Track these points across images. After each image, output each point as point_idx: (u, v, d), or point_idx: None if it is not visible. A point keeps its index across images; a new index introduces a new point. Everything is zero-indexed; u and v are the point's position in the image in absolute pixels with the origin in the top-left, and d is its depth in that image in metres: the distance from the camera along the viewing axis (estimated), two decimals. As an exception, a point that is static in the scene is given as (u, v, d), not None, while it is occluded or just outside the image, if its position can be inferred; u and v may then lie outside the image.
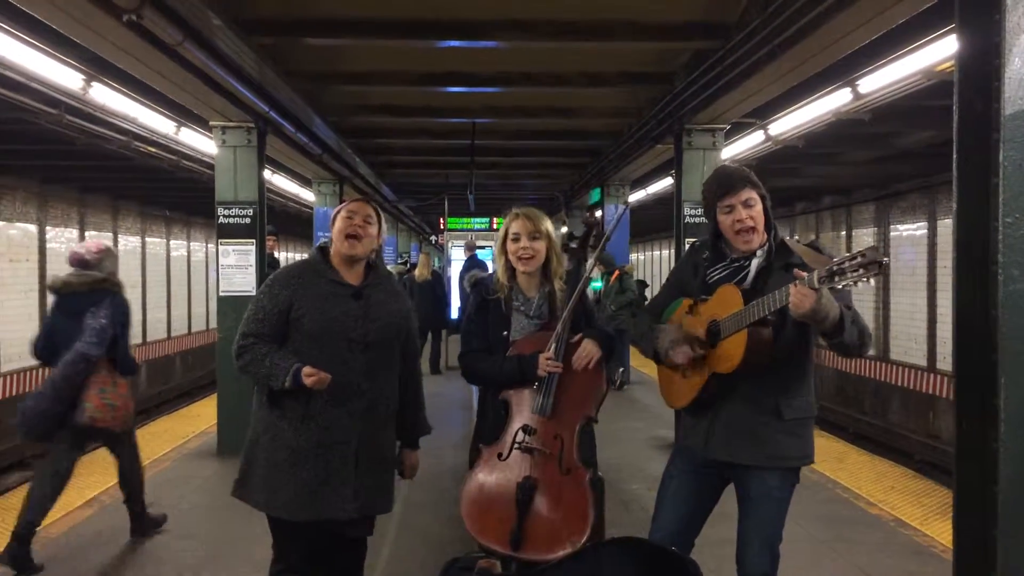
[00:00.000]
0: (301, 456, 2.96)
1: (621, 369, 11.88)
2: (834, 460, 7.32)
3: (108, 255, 5.09)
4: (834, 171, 13.11)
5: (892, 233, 14.39)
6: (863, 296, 15.42)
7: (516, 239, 3.19)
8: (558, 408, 3.04)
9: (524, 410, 3.07)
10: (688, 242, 7.15)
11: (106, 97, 6.98)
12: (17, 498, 6.31)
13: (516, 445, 3.03)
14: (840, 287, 2.53)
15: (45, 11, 4.61)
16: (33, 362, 14.08)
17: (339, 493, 2.96)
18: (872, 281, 2.46)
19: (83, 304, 4.80)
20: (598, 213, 12.81)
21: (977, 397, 3.31)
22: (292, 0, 5.93)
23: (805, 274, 2.58)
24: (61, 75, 6.25)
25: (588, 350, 3.09)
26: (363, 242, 3.08)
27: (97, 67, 6.39)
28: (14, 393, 13.33)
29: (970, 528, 3.35)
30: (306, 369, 2.87)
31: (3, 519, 5.67)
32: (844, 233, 16.13)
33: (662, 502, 3.11)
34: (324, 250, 3.18)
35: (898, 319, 14.20)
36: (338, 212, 3.16)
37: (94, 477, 6.62)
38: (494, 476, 3.03)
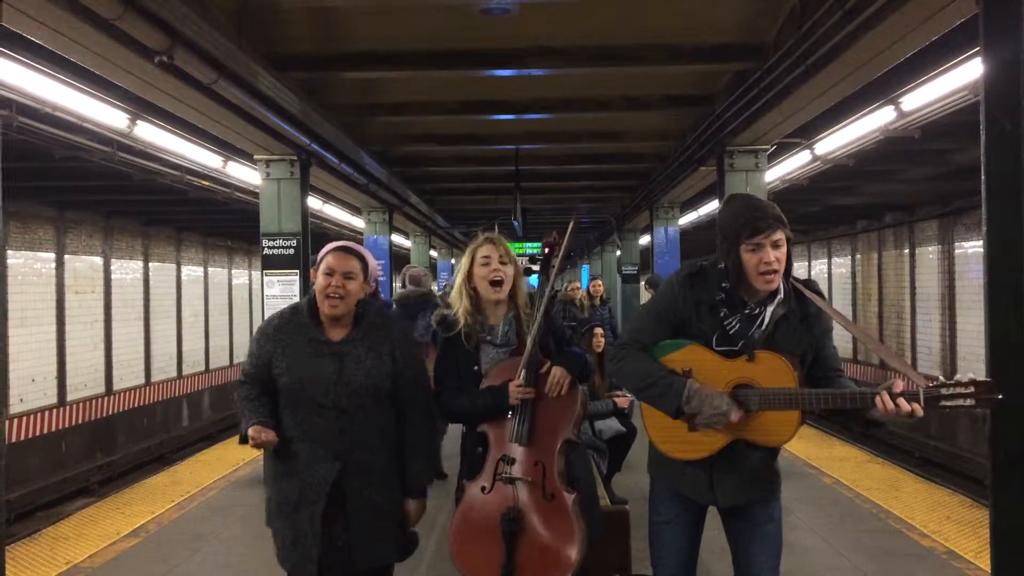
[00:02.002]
0: (282, 509, 2.96)
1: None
2: (888, 488, 7.04)
3: (428, 278, 7.35)
4: (892, 188, 12.78)
5: (957, 250, 13.92)
6: (929, 315, 14.94)
7: (487, 263, 3.16)
8: (535, 434, 3.00)
9: (502, 440, 3.03)
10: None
11: (153, 134, 7.25)
12: (70, 527, 6.50)
13: (498, 476, 2.99)
14: (942, 410, 2.48)
15: (89, 58, 4.80)
16: (99, 391, 14.42)
17: (307, 551, 2.90)
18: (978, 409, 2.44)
19: (416, 309, 6.93)
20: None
21: (1013, 425, 3.20)
22: (326, 36, 6.06)
23: (919, 388, 2.47)
24: (107, 115, 6.55)
25: (558, 377, 3.04)
26: (345, 301, 2.93)
27: (140, 106, 6.62)
28: (80, 421, 13.72)
29: (1010, 556, 3.25)
30: (251, 430, 2.85)
31: (52, 549, 5.79)
32: (907, 251, 15.67)
33: (663, 550, 2.96)
34: (313, 301, 3.01)
35: (965, 338, 13.68)
36: (320, 261, 2.99)
37: (141, 506, 6.76)
38: (478, 510, 2.99)
